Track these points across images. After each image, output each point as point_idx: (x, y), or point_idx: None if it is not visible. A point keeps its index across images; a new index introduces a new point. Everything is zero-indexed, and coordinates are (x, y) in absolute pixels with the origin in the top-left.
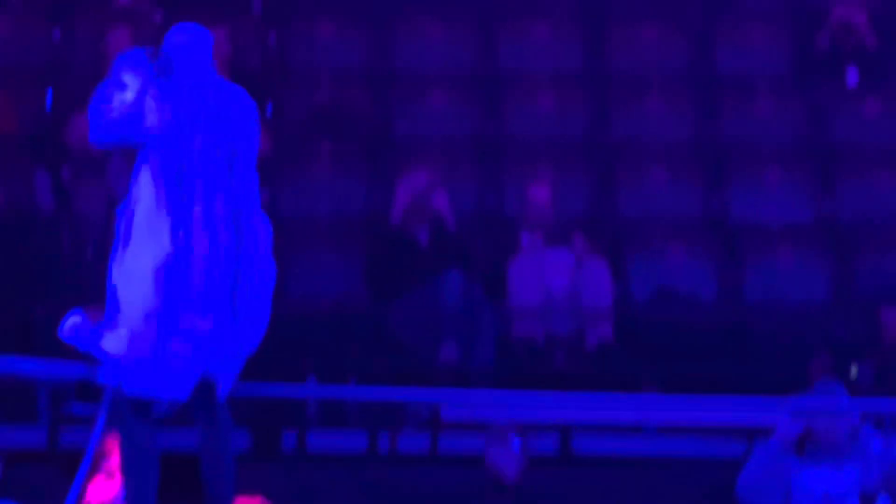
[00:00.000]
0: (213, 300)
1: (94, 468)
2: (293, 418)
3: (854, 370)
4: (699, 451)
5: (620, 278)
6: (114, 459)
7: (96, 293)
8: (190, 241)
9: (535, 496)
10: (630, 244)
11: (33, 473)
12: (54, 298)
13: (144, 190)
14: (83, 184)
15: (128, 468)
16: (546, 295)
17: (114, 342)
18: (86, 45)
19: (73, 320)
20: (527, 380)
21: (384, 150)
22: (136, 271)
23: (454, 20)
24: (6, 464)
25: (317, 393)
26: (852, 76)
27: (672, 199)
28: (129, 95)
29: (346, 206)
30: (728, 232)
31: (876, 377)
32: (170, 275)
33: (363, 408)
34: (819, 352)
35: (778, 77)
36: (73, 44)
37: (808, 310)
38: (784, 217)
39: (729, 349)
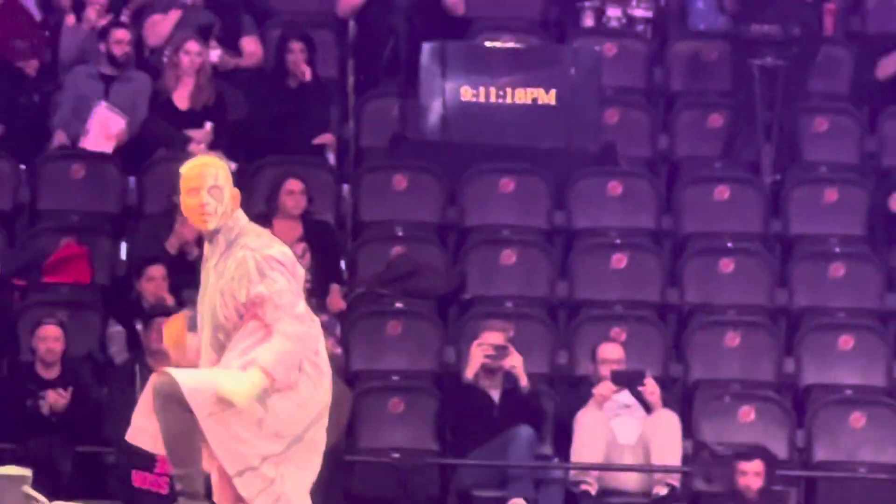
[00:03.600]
0: None
1: None
2: None
3: None
4: None
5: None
6: None
7: None
8: None
9: None
10: (701, 403)
11: None
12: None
13: None
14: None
15: None
16: (613, 447)
17: None
18: (160, 197)
19: None
20: None
21: (457, 308)
22: None
23: (526, 175)
24: None
25: None
26: None
27: (744, 362)
28: None
29: (418, 363)
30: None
31: None
32: None
33: None
34: None
35: (853, 240)
36: (143, 194)
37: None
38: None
39: None
